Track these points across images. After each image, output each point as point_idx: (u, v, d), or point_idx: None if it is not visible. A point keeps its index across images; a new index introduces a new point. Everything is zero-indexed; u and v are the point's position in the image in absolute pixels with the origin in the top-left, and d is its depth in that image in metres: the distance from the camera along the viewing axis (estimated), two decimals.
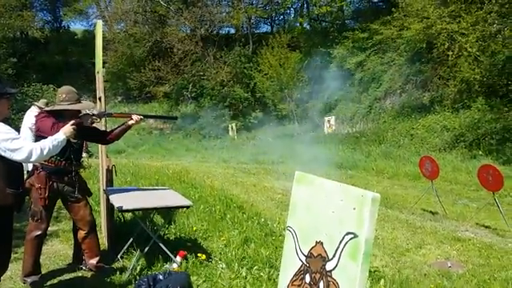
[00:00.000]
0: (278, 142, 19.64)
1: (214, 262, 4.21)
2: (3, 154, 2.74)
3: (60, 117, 3.67)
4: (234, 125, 22.91)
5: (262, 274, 3.90)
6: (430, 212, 7.26)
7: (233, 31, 29.03)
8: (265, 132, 22.28)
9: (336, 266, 1.98)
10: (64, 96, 3.75)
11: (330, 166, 12.67)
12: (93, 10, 30.83)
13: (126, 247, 4.29)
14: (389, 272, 4.25)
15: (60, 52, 28.59)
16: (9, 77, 19.86)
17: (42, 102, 7.18)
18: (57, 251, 4.60)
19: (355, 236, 1.89)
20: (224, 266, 4.09)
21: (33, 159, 2.85)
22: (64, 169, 3.73)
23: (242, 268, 4.01)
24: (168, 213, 5.67)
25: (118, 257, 4.26)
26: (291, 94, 22.42)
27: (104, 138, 4.07)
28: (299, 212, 2.32)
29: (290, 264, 2.33)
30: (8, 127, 2.81)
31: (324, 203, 2.11)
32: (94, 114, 3.87)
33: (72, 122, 3.28)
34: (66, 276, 3.96)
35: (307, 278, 2.18)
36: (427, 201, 7.75)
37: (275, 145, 19.23)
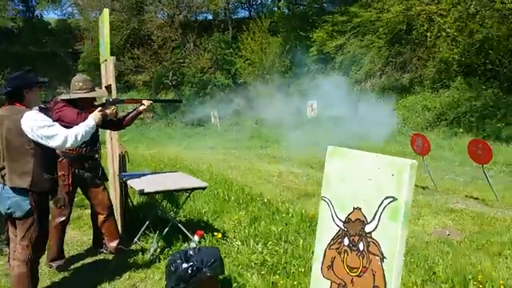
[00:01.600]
0: (261, 127, 19.82)
1: (229, 239, 4.38)
2: (40, 141, 2.83)
3: (74, 105, 3.76)
4: (216, 112, 22.91)
5: (277, 248, 4.10)
6: (421, 187, 7.58)
7: (210, 17, 28.85)
8: (247, 118, 22.40)
9: (376, 227, 2.16)
10: (81, 85, 3.83)
11: (317, 148, 12.91)
12: None
13: (142, 230, 4.41)
14: None
15: (34, 42, 27.83)
16: None
17: None
18: (72, 237, 4.68)
19: (395, 199, 2.08)
20: (239, 242, 4.28)
21: (68, 145, 2.95)
22: (85, 155, 3.83)
23: (258, 244, 4.20)
24: (173, 197, 5.80)
25: (136, 239, 4.38)
26: (273, 79, 22.53)
27: (119, 124, 4.16)
28: (333, 183, 2.49)
29: (326, 230, 2.49)
30: (43, 115, 2.89)
31: (360, 172, 2.29)
32: (109, 101, 3.95)
33: (99, 108, 3.38)
34: (89, 260, 4.09)
35: (346, 241, 2.35)
36: (417, 176, 8.05)
37: (259, 130, 19.42)
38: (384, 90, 18.07)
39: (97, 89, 4.08)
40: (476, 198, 6.82)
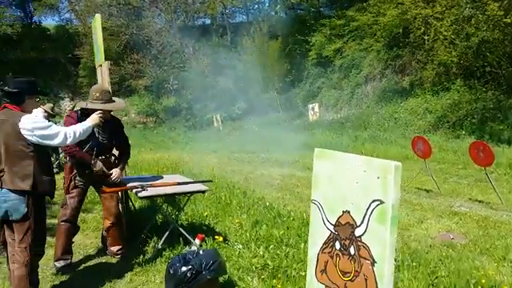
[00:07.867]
0: (263, 130, 19.89)
1: (230, 243, 4.45)
2: (41, 141, 2.95)
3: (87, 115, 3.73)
4: (218, 116, 23.03)
5: (278, 252, 4.11)
6: (425, 190, 7.58)
7: (208, 22, 29.03)
8: (249, 121, 22.49)
9: (365, 231, 2.15)
10: (98, 95, 3.83)
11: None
12: (64, 4, 30.30)
13: (144, 233, 4.51)
14: (396, 245, 4.54)
15: (33, 48, 27.92)
16: None
17: (48, 107, 7.55)
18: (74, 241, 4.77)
19: (382, 202, 2.05)
20: (241, 246, 4.33)
21: (68, 142, 3.11)
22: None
23: (259, 247, 4.24)
24: (174, 200, 5.88)
25: (138, 243, 4.48)
26: (273, 82, 22.66)
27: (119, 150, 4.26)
28: (322, 185, 2.46)
29: (318, 234, 2.48)
30: (39, 117, 3.01)
31: (347, 175, 2.25)
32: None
33: (98, 111, 3.49)
34: (91, 263, 4.21)
35: (337, 245, 2.34)
36: (419, 180, 8.04)
37: (261, 134, 19.48)
38: (385, 92, 18.10)
39: (115, 99, 4.07)
40: (480, 201, 6.78)
